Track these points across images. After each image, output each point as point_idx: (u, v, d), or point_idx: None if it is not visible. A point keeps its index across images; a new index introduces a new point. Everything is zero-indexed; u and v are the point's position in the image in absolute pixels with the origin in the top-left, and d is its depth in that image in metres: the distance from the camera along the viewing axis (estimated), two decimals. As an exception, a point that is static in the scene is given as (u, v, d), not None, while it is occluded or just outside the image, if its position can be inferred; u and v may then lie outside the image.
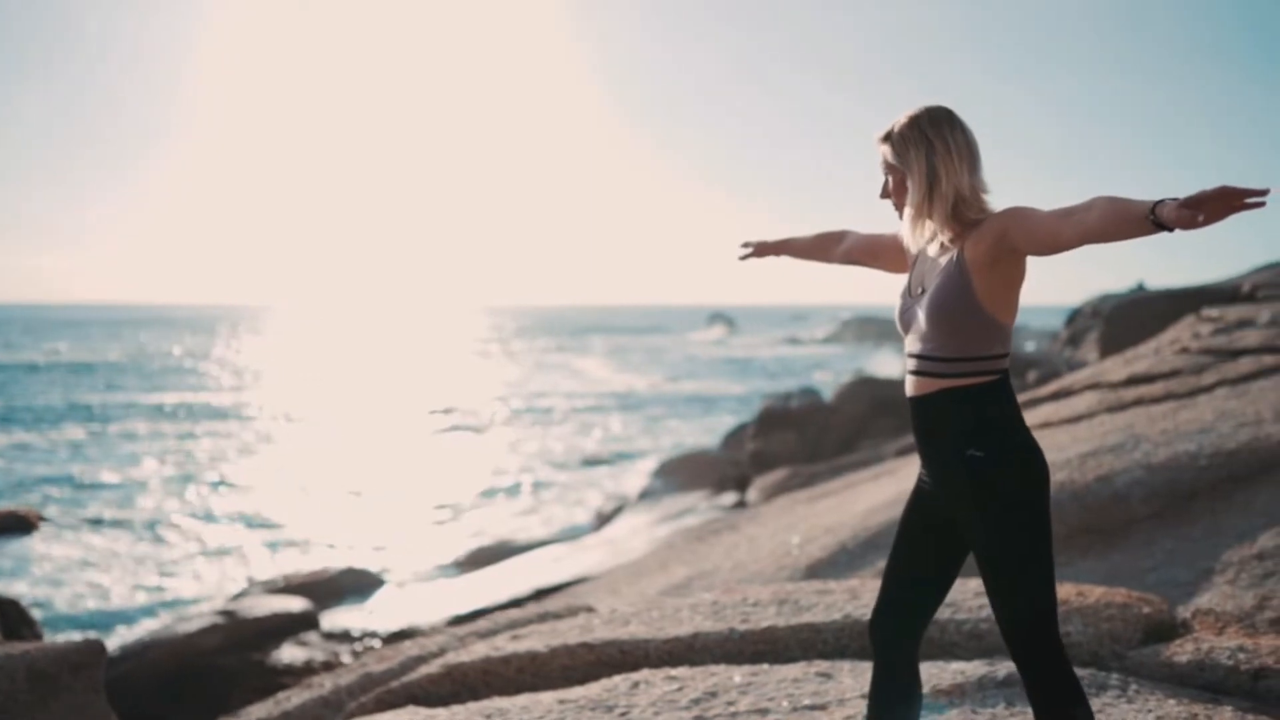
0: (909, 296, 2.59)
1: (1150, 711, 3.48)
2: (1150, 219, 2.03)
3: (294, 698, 5.15)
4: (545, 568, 14.89)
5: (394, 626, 12.40)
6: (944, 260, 2.48)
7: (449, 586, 15.33)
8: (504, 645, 4.65)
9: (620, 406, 45.84)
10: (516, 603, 13.08)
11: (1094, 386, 9.61)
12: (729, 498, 18.46)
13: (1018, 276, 2.45)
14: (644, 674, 4.20)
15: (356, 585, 15.33)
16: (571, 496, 24.56)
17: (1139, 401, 8.35)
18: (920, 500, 2.63)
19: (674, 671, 4.20)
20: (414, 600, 14.38)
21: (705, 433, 35.10)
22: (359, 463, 29.49)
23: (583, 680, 4.42)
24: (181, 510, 23.21)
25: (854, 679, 3.94)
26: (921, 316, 2.49)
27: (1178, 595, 5.62)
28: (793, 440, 22.21)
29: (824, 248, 3.05)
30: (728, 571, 8.21)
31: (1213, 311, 10.87)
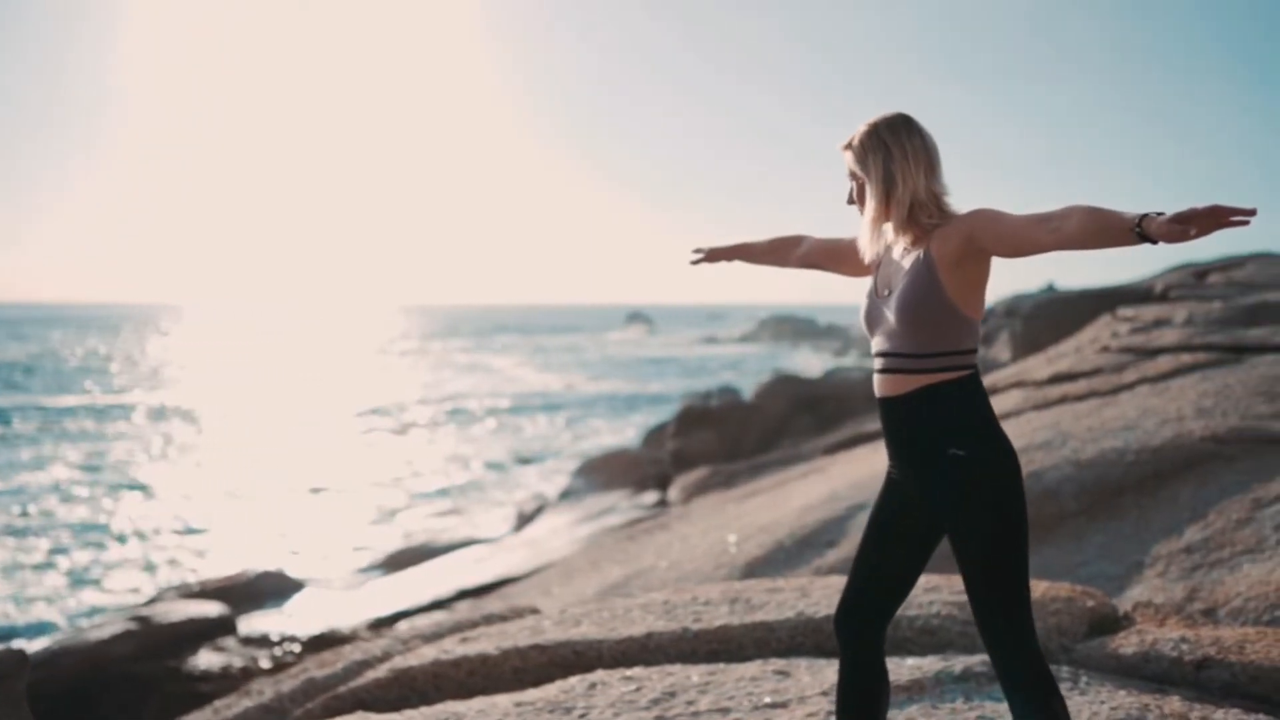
0: (875, 297, 2.62)
1: (1104, 703, 3.55)
2: (1136, 231, 2.07)
3: (233, 705, 4.99)
4: (467, 569, 14.75)
5: (314, 630, 12.14)
6: (909, 260, 2.52)
7: (370, 589, 15.09)
8: (453, 648, 4.57)
9: (539, 406, 45.63)
10: (439, 604, 12.95)
11: (1019, 385, 9.83)
12: (650, 497, 18.47)
13: (983, 275, 2.50)
14: (599, 675, 4.17)
15: (274, 588, 14.99)
16: (492, 497, 24.35)
17: (1063, 399, 8.56)
18: (892, 497, 2.64)
19: (630, 672, 4.16)
20: (334, 603, 14.12)
21: (625, 432, 35.11)
22: (275, 464, 28.87)
23: (535, 682, 4.37)
24: (88, 515, 22.45)
25: (812, 676, 3.95)
26: (892, 315, 2.52)
27: (1110, 589, 5.78)
28: (713, 439, 22.32)
29: (781, 252, 3.07)
30: (664, 570, 8.21)
31: (1128, 311, 11.20)
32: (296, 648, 11.37)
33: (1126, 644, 4.09)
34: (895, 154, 2.50)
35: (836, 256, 2.92)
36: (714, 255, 3.16)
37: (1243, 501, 5.92)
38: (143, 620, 11.55)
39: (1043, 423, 7.90)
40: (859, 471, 9.14)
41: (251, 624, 12.65)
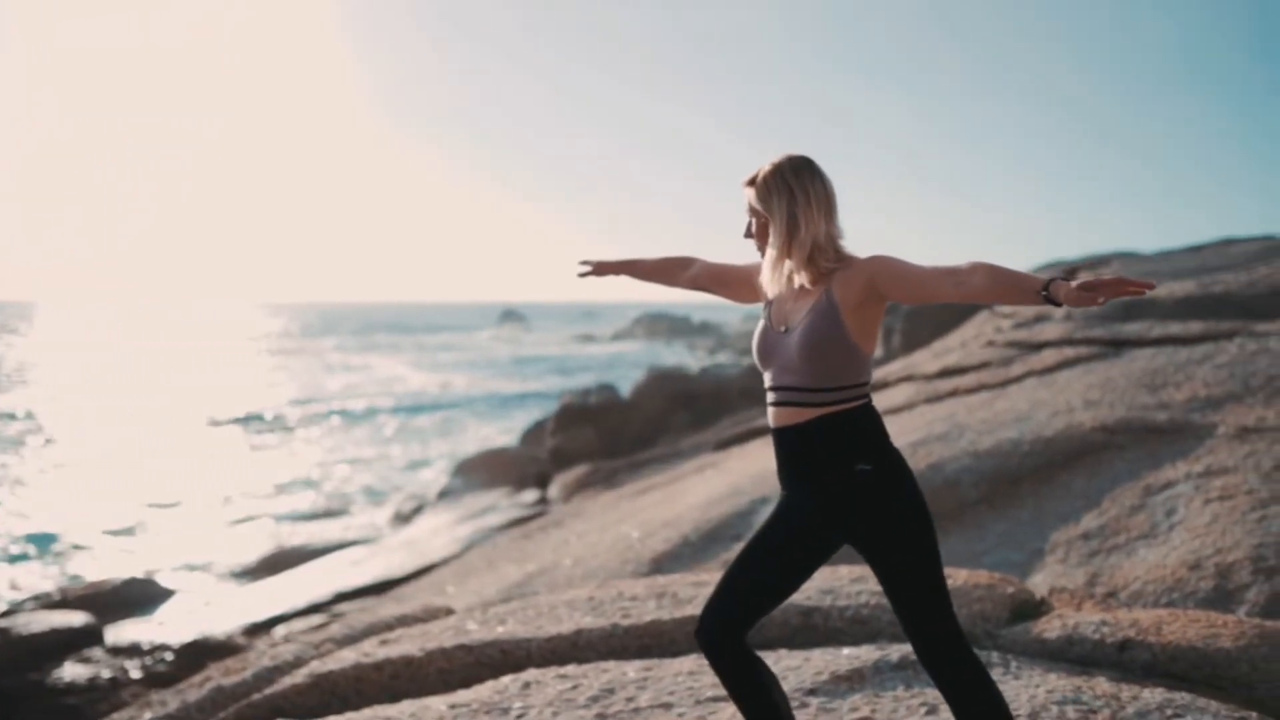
0: (771, 331, 2.70)
1: (1038, 686, 3.63)
2: (1042, 295, 2.26)
3: (136, 718, 4.70)
4: (344, 571, 14.39)
5: (187, 638, 11.67)
6: (810, 301, 2.63)
7: (243, 594, 14.57)
8: (374, 651, 4.41)
9: (415, 405, 44.82)
10: (317, 608, 12.61)
11: (909, 379, 10.05)
12: (530, 495, 18.35)
13: (880, 315, 2.66)
14: (532, 674, 4.07)
15: (142, 596, 14.36)
16: (369, 498, 23.78)
17: (954, 393, 8.79)
18: (783, 522, 2.67)
19: (563, 670, 4.08)
20: (206, 609, 13.58)
21: (503, 430, 34.74)
22: (141, 468, 27.61)
23: (462, 683, 4.25)
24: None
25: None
26: (793, 351, 2.61)
27: (1013, 576, 5.94)
28: (592, 436, 22.32)
29: (669, 271, 3.16)
30: (568, 568, 8.12)
31: (1004, 308, 11.57)
32: (169, 656, 10.93)
33: (1049, 628, 4.19)
34: (799, 197, 2.60)
35: (725, 282, 3.03)
36: (601, 269, 3.23)
37: (1134, 489, 6.17)
38: (1, 632, 10.92)
39: (937, 415, 8.09)
40: (757, 466, 9.22)
41: (119, 633, 12.08)
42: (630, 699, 3.77)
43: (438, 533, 16.55)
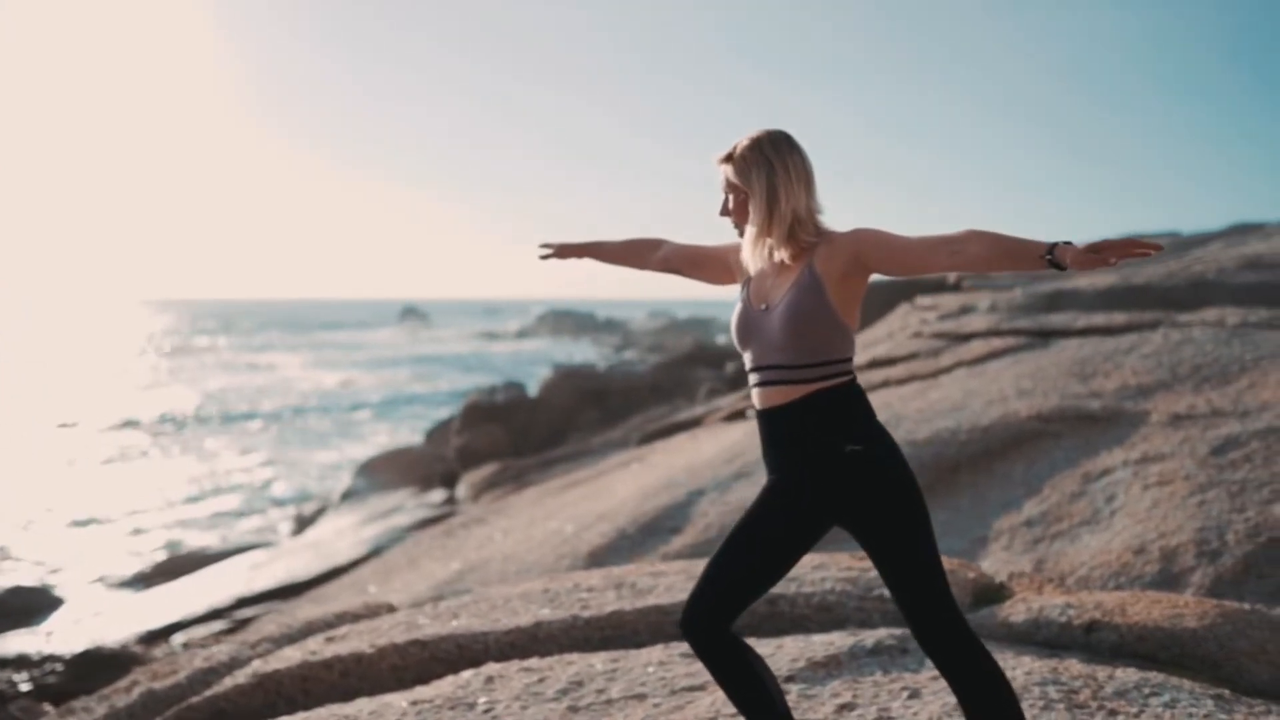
0: (751, 311, 2.63)
1: (1014, 669, 3.60)
2: (1046, 259, 2.21)
3: (60, 727, 4.39)
4: (244, 576, 13.92)
5: (79, 648, 11.14)
6: (791, 276, 2.57)
7: (137, 601, 13.99)
8: (322, 648, 4.18)
9: (315, 405, 43.74)
10: (217, 613, 12.19)
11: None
12: (437, 495, 18.01)
13: (863, 289, 2.59)
14: (494, 668, 3.91)
15: (27, 605, 13.77)
16: (269, 500, 23.05)
17: (885, 383, 8.84)
18: (769, 508, 2.61)
19: (526, 663, 3.93)
20: (99, 618, 13.01)
21: (407, 430, 34.06)
22: (25, 474, 26.33)
23: (417, 680, 4.06)
24: None
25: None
26: (776, 328, 2.55)
27: (959, 563, 5.97)
28: (500, 434, 22.02)
29: (637, 254, 3.07)
30: (501, 563, 7.93)
31: (925, 300, 11.72)
32: (59, 668, 10.42)
33: (1014, 612, 4.19)
34: (779, 170, 2.55)
35: (699, 264, 2.94)
36: (564, 252, 3.12)
37: (1073, 476, 6.25)
38: None
39: (872, 405, 8.12)
40: (688, 459, 9.15)
41: (4, 645, 11.49)
42: (601, 691, 3.64)
43: (342, 534, 16.12)
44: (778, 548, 2.60)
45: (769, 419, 2.57)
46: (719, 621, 2.59)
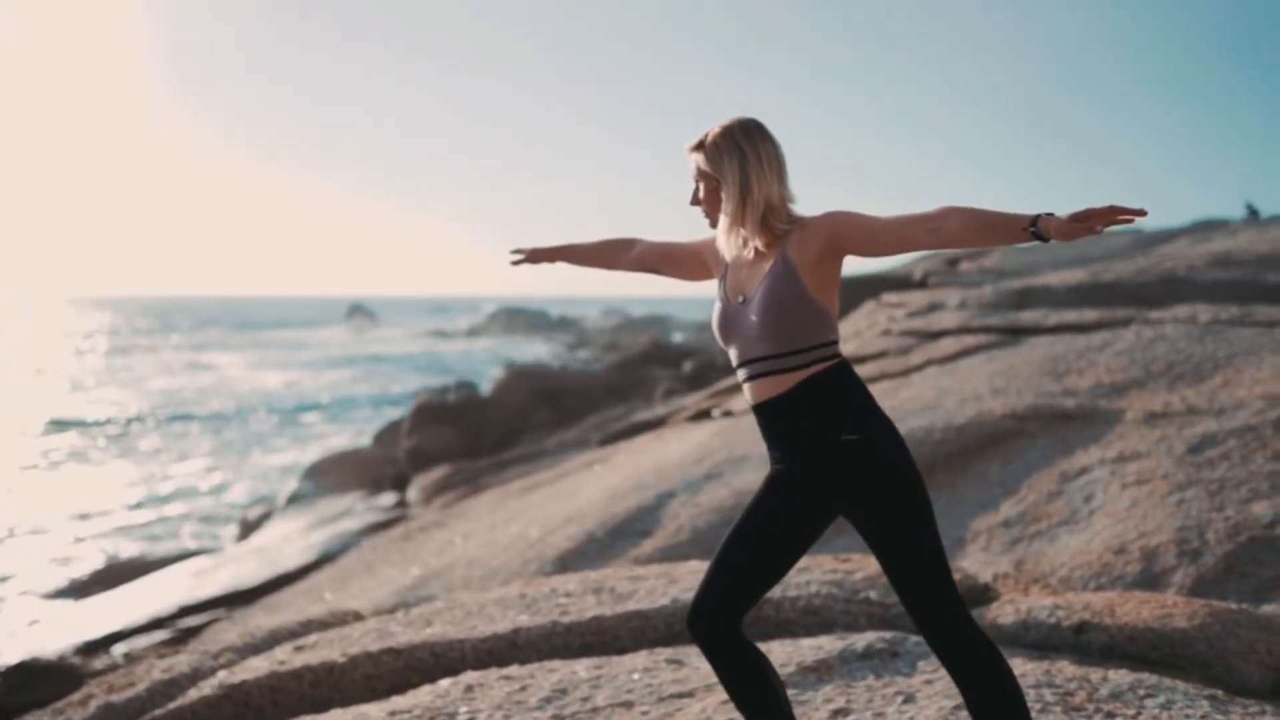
0: (729, 305, 2.60)
1: (1010, 672, 3.52)
2: (1030, 230, 2.19)
3: (12, 743, 4.16)
4: (187, 583, 13.52)
5: (13, 659, 10.72)
6: (766, 265, 2.54)
7: (75, 610, 13.53)
8: (291, 658, 4.01)
9: (260, 405, 42.91)
10: (159, 623, 11.83)
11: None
12: (388, 498, 17.68)
13: (839, 271, 2.56)
14: (472, 676, 3.77)
15: (-46, 614, 13.22)
16: (210, 505, 22.49)
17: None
18: (772, 498, 2.57)
19: (506, 671, 3.79)
20: (33, 628, 12.58)
21: (355, 432, 33.44)
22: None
23: (391, 690, 3.90)
24: None
25: (708, 663, 3.71)
26: (754, 320, 2.52)
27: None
28: (451, 435, 21.68)
29: (611, 255, 3.04)
30: (464, 568, 7.75)
31: (892, 297, 11.68)
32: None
33: (1003, 614, 4.13)
34: (750, 158, 2.53)
35: (674, 261, 2.91)
36: (536, 256, 3.06)
37: (1050, 475, 6.22)
38: None
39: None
40: (654, 459, 9.03)
41: (-69, 655, 11.04)
42: (585, 699, 3.51)
43: (289, 540, 15.74)
44: (780, 541, 2.55)
45: (764, 412, 2.54)
46: (726, 619, 2.54)
